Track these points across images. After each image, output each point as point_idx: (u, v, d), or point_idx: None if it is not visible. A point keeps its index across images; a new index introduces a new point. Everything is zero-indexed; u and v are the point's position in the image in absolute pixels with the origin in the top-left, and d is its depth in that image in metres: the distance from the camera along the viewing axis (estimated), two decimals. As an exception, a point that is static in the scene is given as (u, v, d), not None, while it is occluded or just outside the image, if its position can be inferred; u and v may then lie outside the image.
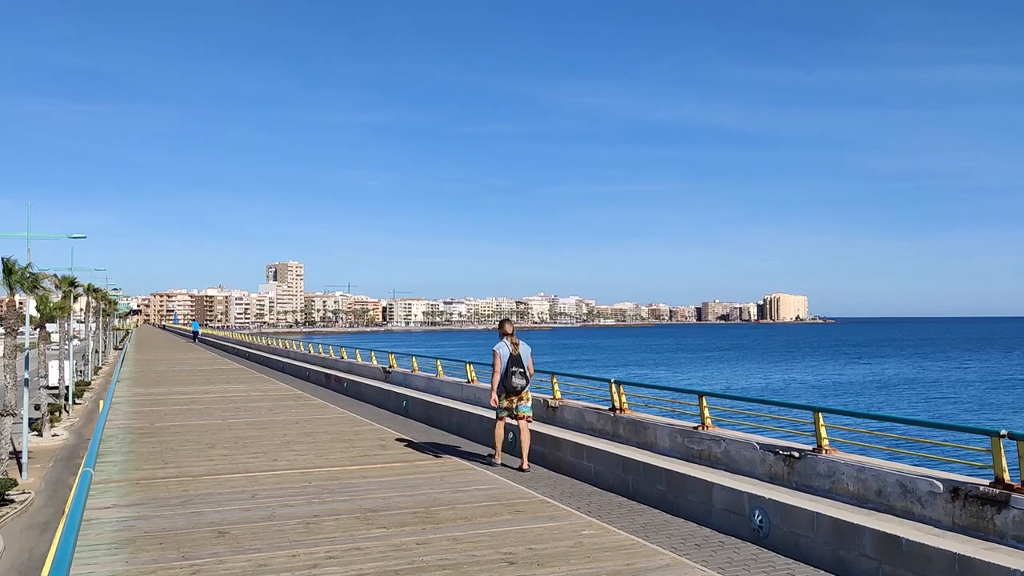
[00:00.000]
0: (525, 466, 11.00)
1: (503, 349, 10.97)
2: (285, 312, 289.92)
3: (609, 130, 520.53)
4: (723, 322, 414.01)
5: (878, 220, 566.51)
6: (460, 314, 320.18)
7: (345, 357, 28.75)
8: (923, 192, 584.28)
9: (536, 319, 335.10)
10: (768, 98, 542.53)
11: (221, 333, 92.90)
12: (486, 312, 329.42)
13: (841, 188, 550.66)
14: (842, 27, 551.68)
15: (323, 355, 32.52)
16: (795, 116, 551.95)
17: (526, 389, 10.86)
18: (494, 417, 11.30)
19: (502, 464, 11.20)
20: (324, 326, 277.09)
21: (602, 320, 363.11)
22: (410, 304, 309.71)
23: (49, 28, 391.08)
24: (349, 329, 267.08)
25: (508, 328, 11.23)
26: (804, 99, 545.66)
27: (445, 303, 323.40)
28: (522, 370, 10.81)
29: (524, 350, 11.01)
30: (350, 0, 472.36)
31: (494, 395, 10.94)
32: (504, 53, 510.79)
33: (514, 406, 10.88)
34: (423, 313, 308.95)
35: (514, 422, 11.08)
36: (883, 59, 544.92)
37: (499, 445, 11.31)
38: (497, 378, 10.88)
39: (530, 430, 11.20)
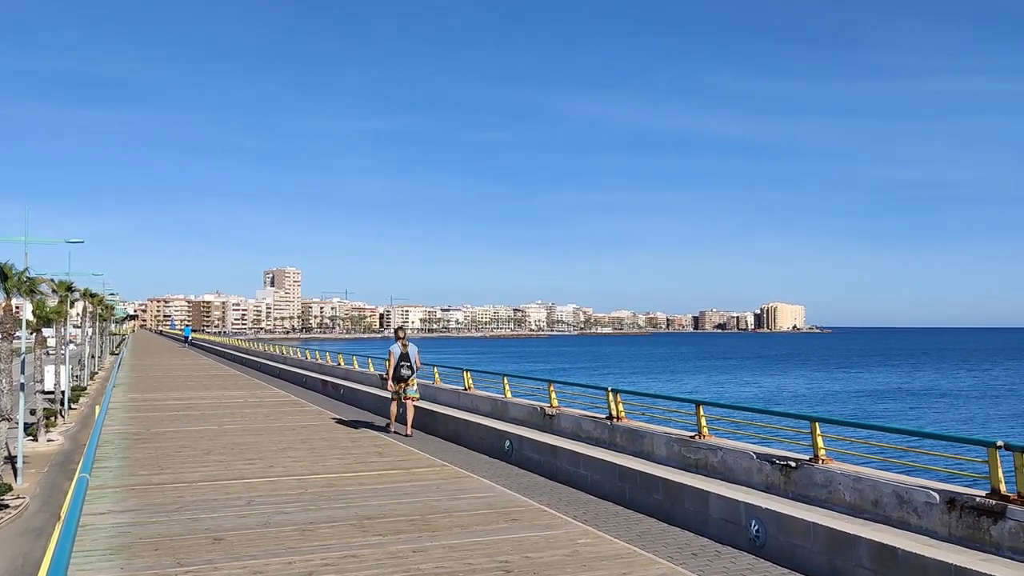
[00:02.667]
0: (409, 432, 14.64)
1: (396, 349, 14.65)
2: (282, 318, 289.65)
3: (608, 138, 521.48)
4: (720, 331, 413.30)
5: (876, 230, 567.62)
6: (457, 321, 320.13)
7: (342, 363, 28.74)
8: (921, 202, 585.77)
9: (533, 327, 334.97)
10: (767, 107, 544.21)
11: (218, 339, 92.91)
12: (483, 319, 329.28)
13: (839, 197, 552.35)
14: (841, 37, 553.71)
15: (320, 361, 32.51)
16: (794, 125, 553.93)
17: (411, 378, 14.65)
18: (389, 398, 15.35)
19: (394, 431, 14.73)
20: (321, 332, 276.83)
21: (599, 328, 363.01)
22: (407, 311, 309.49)
23: (49, 33, 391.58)
24: (346, 335, 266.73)
25: (400, 334, 15.14)
26: (803, 108, 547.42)
27: (442, 310, 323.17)
28: (408, 364, 14.55)
29: (411, 350, 14.74)
30: (350, 7, 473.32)
31: (389, 383, 14.68)
32: (503, 61, 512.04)
33: (402, 390, 14.67)
34: (420, 320, 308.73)
35: (404, 401, 14.78)
36: (882, 69, 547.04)
37: (393, 417, 15.22)
38: (391, 370, 14.54)
39: (415, 407, 15.12)
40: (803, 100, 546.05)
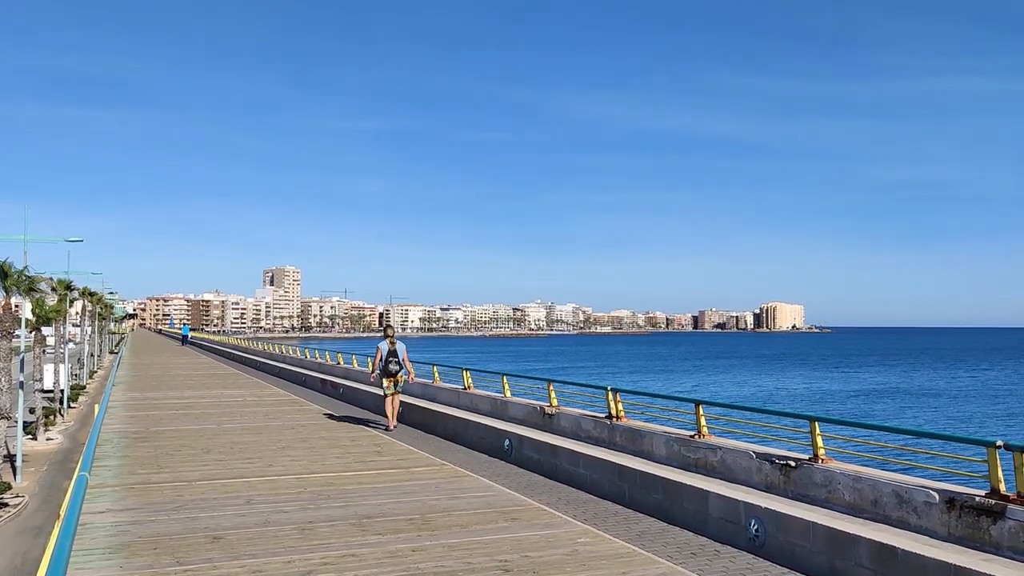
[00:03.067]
0: (392, 424, 15.36)
1: (384, 345, 15.25)
2: (281, 317, 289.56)
3: (608, 138, 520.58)
4: (720, 330, 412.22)
5: (876, 230, 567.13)
6: (457, 320, 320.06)
7: (342, 363, 28.72)
8: (921, 202, 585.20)
9: (533, 326, 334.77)
10: (767, 107, 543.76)
11: (217, 338, 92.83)
12: (483, 319, 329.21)
13: (839, 197, 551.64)
14: (841, 37, 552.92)
15: (319, 360, 32.48)
16: (793, 125, 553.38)
17: (399, 374, 15.17)
18: (381, 395, 15.75)
19: (393, 428, 15.16)
20: (320, 331, 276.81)
21: (599, 328, 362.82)
22: (406, 310, 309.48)
23: (49, 33, 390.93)
24: (345, 335, 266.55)
25: (389, 332, 15.75)
26: (803, 108, 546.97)
27: (442, 309, 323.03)
28: (396, 359, 15.11)
29: (399, 347, 15.29)
30: (350, 7, 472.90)
31: (373, 375, 15.55)
32: (503, 61, 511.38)
33: (391, 386, 15.23)
34: (419, 319, 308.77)
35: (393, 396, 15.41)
36: (881, 69, 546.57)
37: (389, 415, 15.49)
38: (377, 364, 15.21)
39: (400, 401, 15.96)
40: (803, 100, 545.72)
